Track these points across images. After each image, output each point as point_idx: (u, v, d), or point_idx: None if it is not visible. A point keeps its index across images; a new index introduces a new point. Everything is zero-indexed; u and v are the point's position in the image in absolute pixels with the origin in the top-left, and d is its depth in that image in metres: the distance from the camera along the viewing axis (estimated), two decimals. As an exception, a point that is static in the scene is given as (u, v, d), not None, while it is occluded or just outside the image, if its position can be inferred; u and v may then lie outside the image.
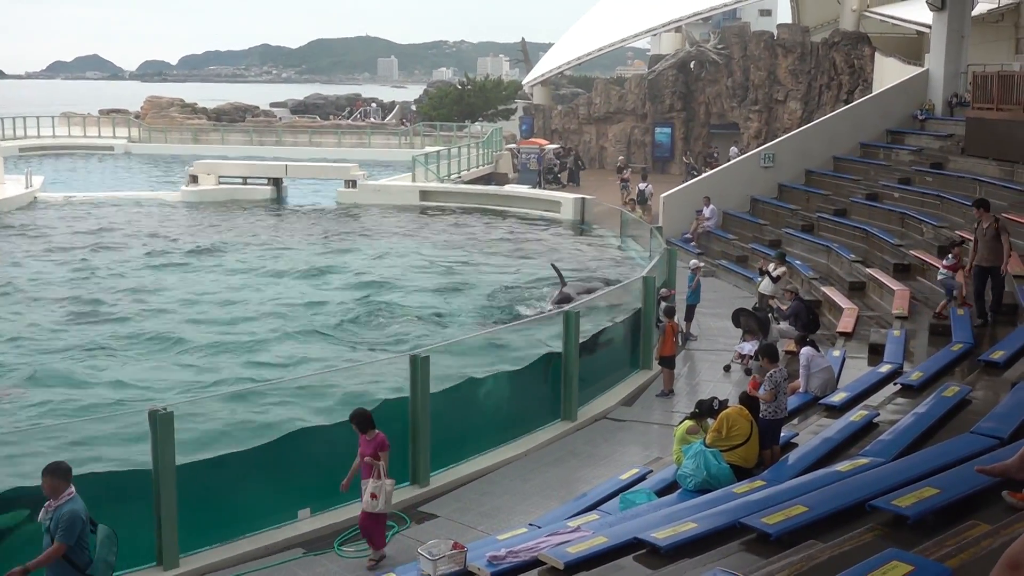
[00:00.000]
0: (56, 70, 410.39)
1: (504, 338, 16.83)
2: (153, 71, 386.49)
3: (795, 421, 12.53)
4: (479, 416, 13.52)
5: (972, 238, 15.12)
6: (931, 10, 28.69)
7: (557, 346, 14.44)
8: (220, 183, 38.48)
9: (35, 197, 36.63)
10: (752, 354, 14.78)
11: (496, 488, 12.24)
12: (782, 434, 11.08)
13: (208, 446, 11.74)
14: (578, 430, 14.30)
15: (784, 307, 17.52)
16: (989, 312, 14.59)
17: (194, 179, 38.50)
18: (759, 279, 19.75)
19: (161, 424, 9.75)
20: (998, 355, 12.24)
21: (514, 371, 14.34)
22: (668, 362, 16.05)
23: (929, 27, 31.09)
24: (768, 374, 10.87)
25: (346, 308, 21.37)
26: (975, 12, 30.32)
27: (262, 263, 26.15)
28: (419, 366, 11.72)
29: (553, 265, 24.14)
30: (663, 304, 17.27)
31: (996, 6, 34.64)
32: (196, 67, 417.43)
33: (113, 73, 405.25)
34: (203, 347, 18.28)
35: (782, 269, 18.76)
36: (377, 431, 10.07)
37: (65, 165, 53.83)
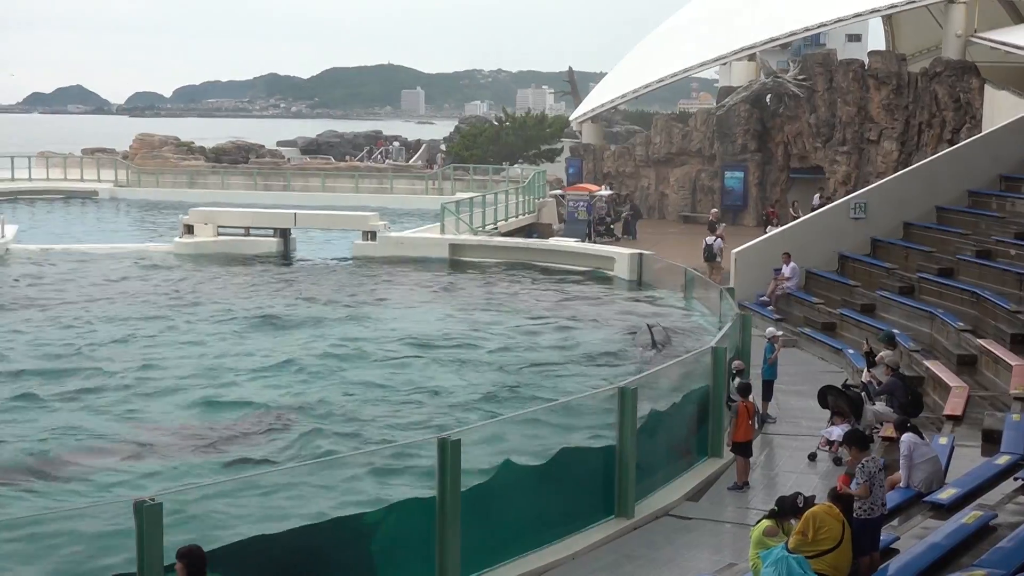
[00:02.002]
0: (34, 103, 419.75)
1: (552, 419, 16.78)
2: (144, 104, 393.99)
3: (895, 523, 12.36)
4: (519, 511, 13.44)
5: None
6: (1051, 36, 28.72)
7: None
8: (219, 234, 38.99)
9: (7, 249, 37.32)
10: (841, 440, 14.63)
11: (538, 598, 12.14)
12: (881, 537, 10.93)
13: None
14: (635, 529, 14.20)
15: (878, 382, 17.37)
16: None
17: (189, 229, 39.05)
18: (863, 365, 19.36)
19: (148, 517, 9.80)
20: None
21: (561, 457, 14.27)
22: (743, 449, 15.91)
23: (1049, 55, 31.08)
24: (859, 465, 10.77)
25: (355, 387, 21.47)
26: (1103, 38, 30.29)
27: (257, 333, 26.31)
28: (448, 451, 11.71)
29: (649, 326, 25.26)
30: (736, 380, 17.19)
31: None
32: (193, 100, 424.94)
33: (98, 106, 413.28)
34: (185, 435, 18.40)
35: (888, 353, 18.48)
36: None
37: (42, 211, 54.88)
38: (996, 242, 25.41)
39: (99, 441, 17.97)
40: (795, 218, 36.19)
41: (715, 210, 41.32)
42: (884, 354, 18.25)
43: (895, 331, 21.56)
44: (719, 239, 34.11)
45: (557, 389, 21.14)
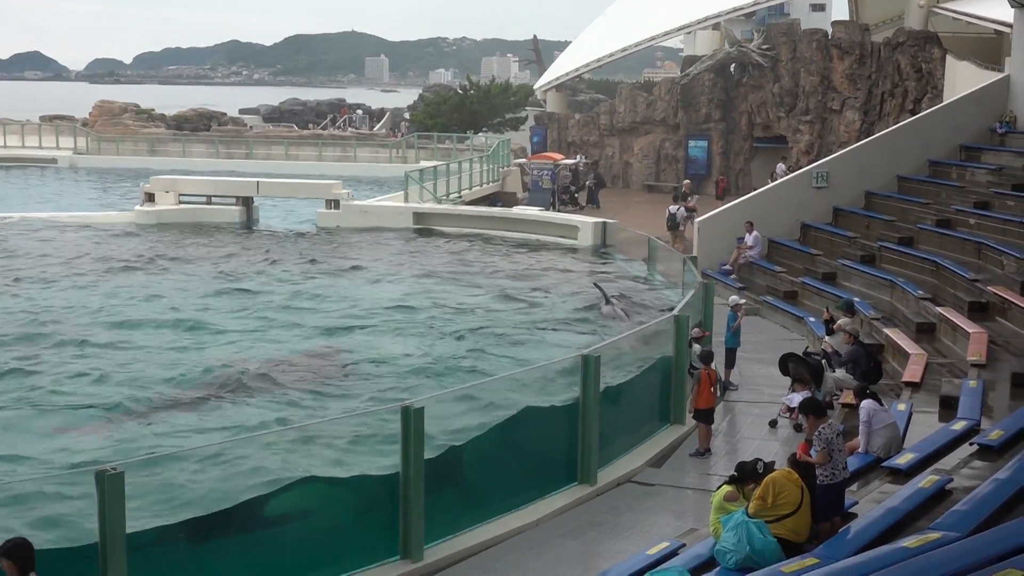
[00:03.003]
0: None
1: (513, 386, 16.83)
2: (104, 71, 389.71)
3: (854, 487, 12.51)
4: (482, 478, 13.52)
5: None
6: (1012, 6, 28.87)
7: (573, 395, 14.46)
8: (181, 202, 38.70)
9: (-36, 218, 36.88)
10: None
11: (502, 564, 12.22)
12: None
13: (170, 511, 11.78)
14: (598, 495, 14.30)
15: (841, 351, 17.54)
16: None
17: (150, 197, 38.70)
18: (824, 332, 19.54)
19: (110, 486, 9.79)
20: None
21: (524, 425, 14.34)
22: (705, 416, 16.06)
23: (1010, 26, 31.25)
24: (816, 432, 10.90)
25: (323, 357, 21.41)
26: (1064, 9, 30.45)
27: (222, 302, 26.20)
28: (412, 419, 11.75)
29: (597, 284, 26.06)
30: (696, 347, 17.31)
31: (1088, 2, 34.78)
32: (153, 67, 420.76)
33: (57, 73, 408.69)
34: (151, 403, 18.31)
35: (847, 321, 18.65)
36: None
37: None
38: (956, 211, 25.63)
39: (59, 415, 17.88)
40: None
41: (687, 181, 41.42)
42: (843, 322, 18.43)
43: (855, 299, 21.75)
44: (682, 208, 34.20)
45: (520, 357, 21.18)
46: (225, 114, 72.97)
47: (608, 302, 25.26)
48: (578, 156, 49.43)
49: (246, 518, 11.52)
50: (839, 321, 18.61)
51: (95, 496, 9.88)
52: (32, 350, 21.31)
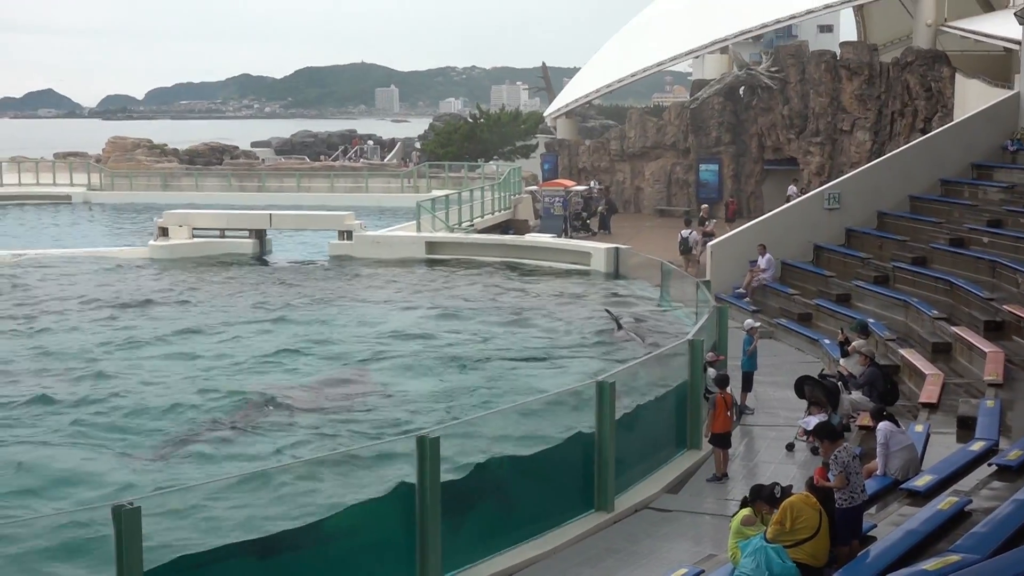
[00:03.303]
0: (3, 108, 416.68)
1: (528, 414, 16.82)
2: (116, 107, 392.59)
3: (873, 510, 12.46)
4: (499, 507, 13.48)
5: None
6: (1021, 23, 28.91)
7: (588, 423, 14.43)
8: (194, 236, 38.85)
9: (-21, 256, 37.06)
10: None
11: (520, 593, 12.18)
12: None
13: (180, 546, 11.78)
14: (615, 522, 14.25)
15: (857, 374, 17.48)
16: None
17: (164, 232, 38.89)
18: (839, 355, 19.49)
19: (127, 522, 9.79)
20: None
21: (540, 453, 14.32)
22: (722, 440, 16.01)
23: (1019, 43, 31.28)
24: (832, 456, 10.85)
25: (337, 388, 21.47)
26: (1072, 26, 30.48)
27: (235, 334, 26.28)
28: (428, 448, 11.74)
29: (608, 310, 26.40)
30: (711, 371, 17.28)
31: (1097, 18, 34.78)
32: (165, 102, 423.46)
33: (70, 110, 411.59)
34: (170, 435, 18.36)
35: (862, 342, 18.59)
36: None
37: (14, 218, 54.54)
38: (969, 230, 25.59)
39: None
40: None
41: (705, 205, 41.46)
42: (857, 343, 18.38)
43: (870, 320, 21.70)
44: (694, 232, 34.21)
45: (534, 385, 21.16)
46: (237, 147, 73.38)
47: (620, 327, 25.35)
48: (592, 182, 49.54)
49: (263, 549, 11.48)
50: (854, 343, 18.55)
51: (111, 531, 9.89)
52: (48, 385, 21.37)
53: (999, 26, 39.54)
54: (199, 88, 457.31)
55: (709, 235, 33.86)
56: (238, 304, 29.87)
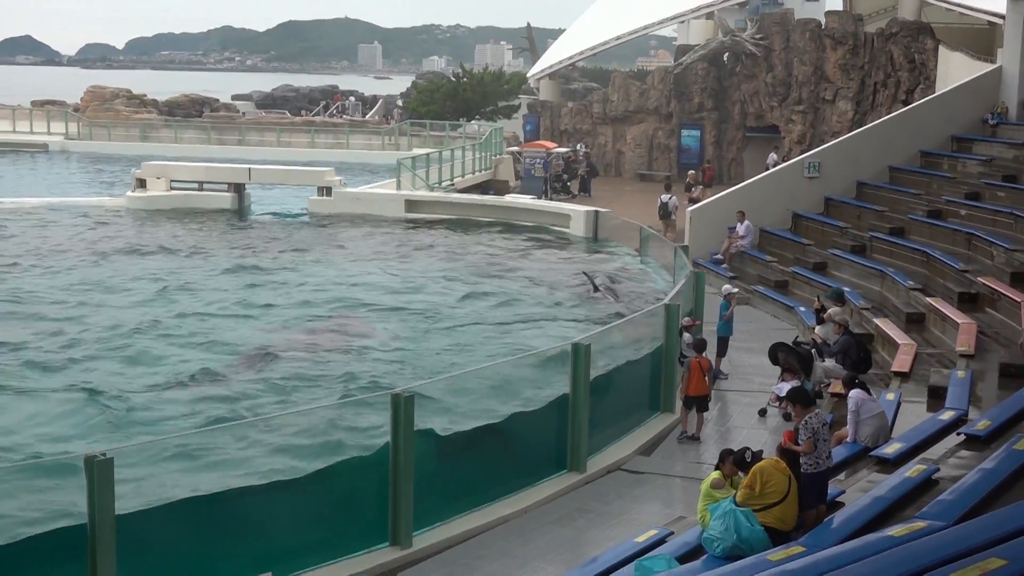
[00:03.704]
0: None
1: (503, 375, 16.89)
2: (96, 56, 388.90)
3: (842, 476, 12.59)
4: (472, 466, 13.56)
5: None
6: (1005, -3, 28.93)
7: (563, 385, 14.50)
8: (172, 188, 38.62)
9: (-46, 202, 36.79)
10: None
11: (491, 551, 12.27)
12: (828, 490, 11.14)
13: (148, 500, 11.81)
14: (587, 483, 14.34)
15: (831, 341, 17.59)
16: None
17: (142, 183, 38.64)
18: (814, 323, 19.59)
19: (99, 472, 9.81)
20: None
21: (514, 413, 14.39)
22: (693, 403, 16.11)
23: (1003, 17, 31.32)
24: (803, 421, 10.95)
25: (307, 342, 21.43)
26: (1056, 0, 30.50)
27: (217, 287, 26.21)
28: (402, 407, 11.77)
29: (584, 272, 26.44)
30: (686, 335, 17.36)
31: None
32: (146, 52, 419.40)
33: (49, 58, 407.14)
34: (139, 388, 18.34)
35: (837, 310, 18.68)
36: None
37: (-10, 165, 54.08)
38: (947, 202, 25.72)
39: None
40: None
41: (692, 172, 41.52)
42: (832, 311, 18.45)
43: (845, 289, 21.83)
44: (674, 197, 34.26)
45: (509, 345, 21.23)
46: (218, 100, 72.78)
47: (596, 289, 25.59)
48: (579, 145, 49.45)
49: (236, 503, 11.55)
50: (829, 311, 18.62)
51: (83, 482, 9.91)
52: (20, 334, 21.29)
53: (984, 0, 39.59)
54: (180, 39, 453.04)
55: (695, 201, 33.83)
56: (215, 255, 29.76)
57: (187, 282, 26.39)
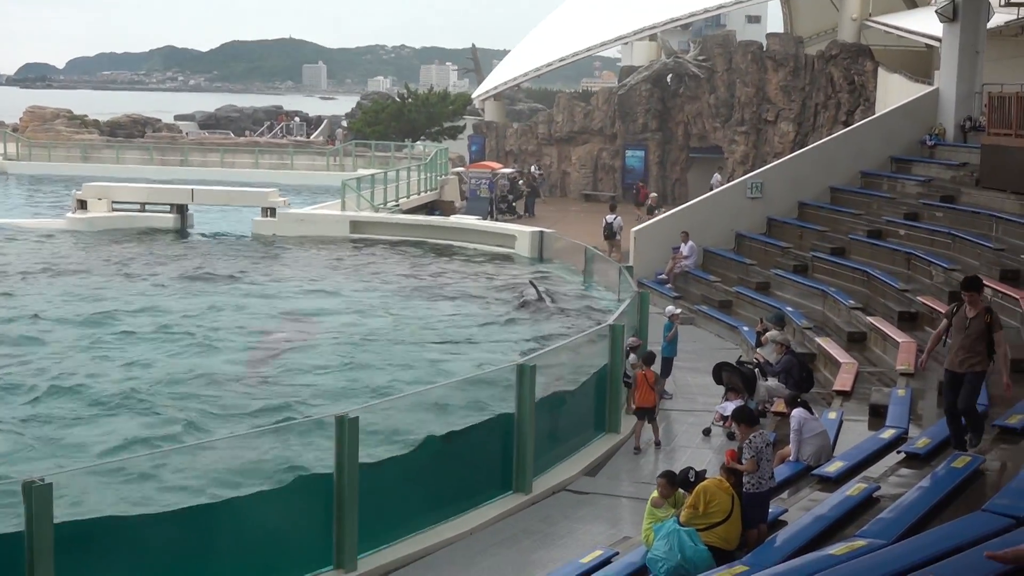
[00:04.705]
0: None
1: (448, 396, 16.87)
2: (35, 75, 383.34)
3: (784, 495, 12.67)
4: (417, 488, 13.49)
5: (942, 325, 12.54)
6: (941, 21, 29.44)
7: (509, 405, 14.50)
8: (114, 209, 38.24)
9: None
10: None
11: (436, 573, 12.21)
12: (770, 509, 11.21)
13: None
14: (533, 504, 14.31)
15: (773, 361, 17.75)
16: (970, 438, 11.95)
17: (82, 204, 38.22)
18: (756, 345, 19.75)
19: (37, 498, 9.65)
20: (1015, 419, 12.49)
21: (458, 434, 14.35)
22: (649, 414, 16.28)
23: (939, 40, 31.88)
24: (747, 440, 11.02)
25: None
26: (991, 24, 31.13)
27: (157, 307, 25.93)
28: (347, 429, 11.71)
29: (532, 282, 27.00)
30: (632, 356, 17.44)
31: (1015, 17, 35.61)
32: (87, 71, 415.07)
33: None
34: (74, 411, 18.09)
35: (775, 333, 18.84)
36: None
37: (-73, 186, 53.20)
38: (887, 222, 26.05)
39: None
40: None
41: (654, 194, 41.81)
42: (771, 334, 18.61)
43: (788, 308, 22.03)
44: (619, 218, 34.45)
45: (454, 366, 21.19)
46: (160, 120, 72.37)
47: (541, 298, 26.30)
48: (532, 167, 49.67)
49: (176, 526, 11.39)
50: (768, 334, 18.79)
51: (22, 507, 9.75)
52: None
53: (921, 22, 40.26)
54: (122, 59, 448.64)
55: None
56: (156, 276, 29.44)
57: (125, 304, 26.08)
